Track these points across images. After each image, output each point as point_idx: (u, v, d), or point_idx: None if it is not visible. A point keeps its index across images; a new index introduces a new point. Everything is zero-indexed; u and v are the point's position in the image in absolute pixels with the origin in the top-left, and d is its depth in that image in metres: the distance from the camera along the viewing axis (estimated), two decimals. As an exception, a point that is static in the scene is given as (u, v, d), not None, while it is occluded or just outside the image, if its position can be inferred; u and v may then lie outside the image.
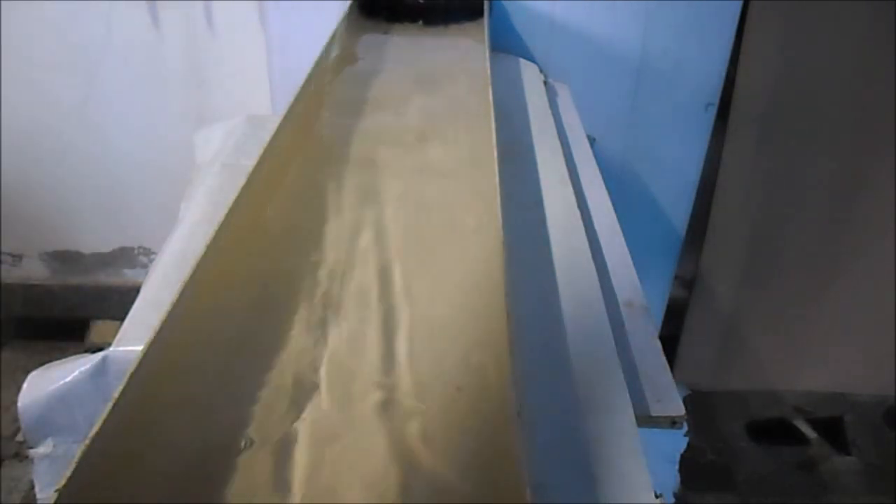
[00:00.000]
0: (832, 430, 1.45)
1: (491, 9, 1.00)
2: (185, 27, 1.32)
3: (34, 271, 1.59)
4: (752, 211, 1.32)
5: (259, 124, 0.83)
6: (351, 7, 0.95)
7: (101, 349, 0.52)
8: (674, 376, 0.50)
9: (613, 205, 0.70)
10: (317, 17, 0.98)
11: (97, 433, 0.32)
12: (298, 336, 0.44)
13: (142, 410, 0.36)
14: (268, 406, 0.39)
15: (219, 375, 0.41)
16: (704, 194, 1.27)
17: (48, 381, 0.53)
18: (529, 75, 0.96)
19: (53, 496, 0.30)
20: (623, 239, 0.65)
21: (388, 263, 0.51)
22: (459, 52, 0.91)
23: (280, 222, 0.54)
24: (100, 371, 0.52)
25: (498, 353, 0.42)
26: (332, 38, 0.82)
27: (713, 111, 1.16)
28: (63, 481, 0.30)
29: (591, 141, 0.85)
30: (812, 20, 1.16)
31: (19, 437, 1.31)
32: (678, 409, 0.47)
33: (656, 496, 0.38)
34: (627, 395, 0.45)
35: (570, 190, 0.67)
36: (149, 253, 1.58)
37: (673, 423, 0.47)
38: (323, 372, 0.41)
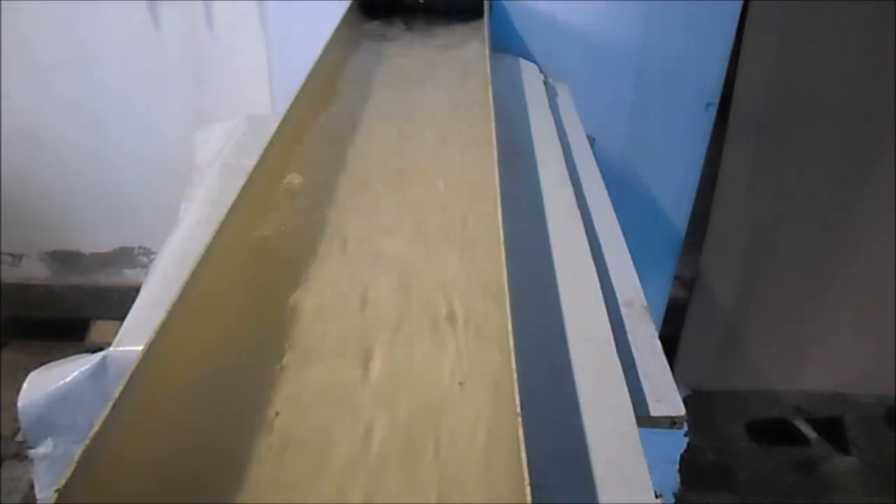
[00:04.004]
0: (832, 430, 1.45)
1: (491, 9, 1.00)
2: (185, 27, 1.32)
3: (34, 271, 1.59)
4: (752, 211, 1.32)
5: (259, 124, 0.83)
6: (351, 7, 0.95)
7: (101, 349, 0.52)
8: (674, 376, 0.50)
9: (613, 205, 0.70)
10: (317, 17, 0.98)
11: (97, 433, 0.32)
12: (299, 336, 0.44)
13: (142, 410, 0.36)
14: (267, 405, 0.39)
15: (219, 375, 0.41)
16: (704, 194, 1.27)
17: (48, 381, 0.52)
18: (529, 75, 0.96)
19: (53, 496, 0.30)
20: (623, 239, 0.65)
21: (387, 267, 0.51)
22: (459, 52, 0.91)
23: (279, 221, 0.54)
24: (100, 371, 0.52)
25: (499, 352, 0.42)
26: (332, 37, 0.82)
27: (713, 111, 1.16)
28: (63, 481, 0.30)
29: (591, 141, 0.85)
30: (812, 20, 1.16)
31: (19, 437, 1.31)
32: (678, 409, 0.47)
33: (656, 496, 0.38)
34: (627, 395, 0.45)
35: (570, 190, 0.67)
36: (149, 253, 1.58)
37: (673, 423, 0.47)
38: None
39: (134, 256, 1.59)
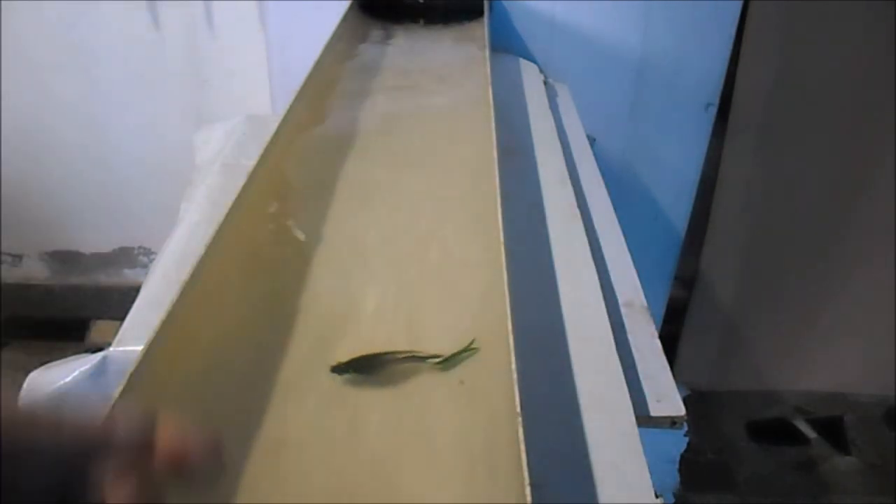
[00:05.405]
0: (832, 430, 1.45)
1: (491, 9, 1.00)
2: (185, 27, 1.31)
3: (34, 271, 1.59)
4: (752, 211, 1.32)
5: (259, 124, 0.83)
6: (351, 7, 0.95)
7: (101, 349, 0.52)
8: (674, 376, 0.50)
9: (613, 205, 0.70)
10: (317, 17, 0.98)
11: (97, 433, 0.32)
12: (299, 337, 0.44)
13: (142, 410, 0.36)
14: (267, 406, 0.39)
15: (219, 374, 0.41)
16: (704, 194, 1.27)
17: (48, 381, 0.52)
18: (529, 75, 0.96)
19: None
20: (623, 239, 0.65)
21: (388, 269, 0.51)
22: (459, 52, 0.91)
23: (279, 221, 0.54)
24: (100, 371, 0.52)
25: (499, 352, 0.42)
26: (332, 37, 0.82)
27: (713, 111, 1.16)
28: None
29: (591, 141, 0.85)
30: (812, 20, 1.16)
31: (19, 437, 1.31)
32: (678, 409, 0.47)
33: (656, 496, 0.38)
34: (627, 395, 0.45)
35: (570, 190, 0.67)
36: (149, 253, 1.58)
37: (673, 423, 0.47)
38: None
39: (134, 256, 1.59)
